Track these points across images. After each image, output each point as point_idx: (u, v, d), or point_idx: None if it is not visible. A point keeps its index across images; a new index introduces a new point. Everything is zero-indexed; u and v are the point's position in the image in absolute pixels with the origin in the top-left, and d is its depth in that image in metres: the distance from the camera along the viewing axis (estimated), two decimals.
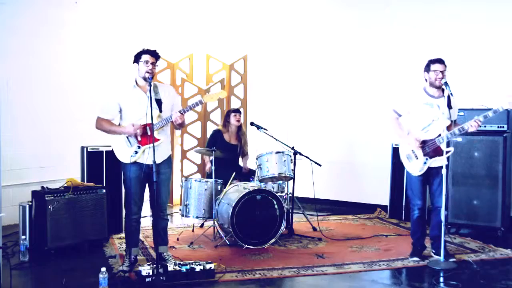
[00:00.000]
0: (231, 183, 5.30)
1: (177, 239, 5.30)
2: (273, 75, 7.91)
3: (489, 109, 4.28)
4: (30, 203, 4.71)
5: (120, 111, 4.19)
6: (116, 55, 6.93)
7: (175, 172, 6.80)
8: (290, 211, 5.53)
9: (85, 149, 5.29)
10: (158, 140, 4.08)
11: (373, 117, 6.91)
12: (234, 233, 4.85)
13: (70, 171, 5.71)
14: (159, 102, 4.09)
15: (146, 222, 5.76)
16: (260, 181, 5.24)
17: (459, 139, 4.41)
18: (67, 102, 6.45)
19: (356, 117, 7.19)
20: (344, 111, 7.31)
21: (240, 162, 6.24)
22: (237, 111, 6.15)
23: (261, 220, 4.96)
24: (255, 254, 4.74)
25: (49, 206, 4.58)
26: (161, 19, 7.73)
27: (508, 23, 6.05)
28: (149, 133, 4.05)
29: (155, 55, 4.13)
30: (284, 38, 7.81)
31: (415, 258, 4.52)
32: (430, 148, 4.38)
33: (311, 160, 5.60)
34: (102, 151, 5.33)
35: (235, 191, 5.13)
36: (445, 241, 4.33)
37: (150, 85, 3.99)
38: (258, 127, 5.79)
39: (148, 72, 4.05)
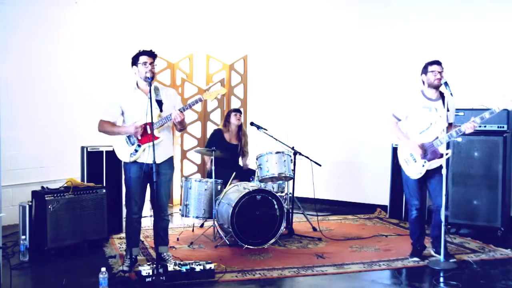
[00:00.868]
0: (231, 183, 5.31)
1: (177, 239, 5.30)
2: (273, 75, 7.91)
3: (489, 109, 4.27)
4: (30, 203, 4.70)
5: (122, 113, 4.21)
6: (116, 55, 6.93)
7: (175, 172, 6.79)
8: (290, 211, 5.53)
9: (85, 149, 5.29)
10: (157, 138, 4.09)
11: (373, 117, 6.91)
12: (234, 233, 4.85)
13: (70, 171, 5.70)
14: (159, 103, 4.11)
15: (146, 222, 5.76)
16: (260, 181, 5.24)
17: (459, 139, 4.41)
18: (67, 102, 6.45)
19: (356, 117, 7.19)
20: (344, 111, 7.31)
21: (240, 162, 6.24)
22: (237, 111, 6.16)
23: (261, 220, 4.96)
24: (255, 254, 4.74)
25: (49, 206, 4.58)
26: (161, 19, 7.73)
27: (508, 23, 6.05)
28: (149, 131, 4.05)
29: (152, 54, 4.14)
30: (284, 38, 7.82)
31: (415, 258, 4.52)
32: (428, 151, 4.38)
33: (311, 160, 5.60)
34: (102, 151, 5.33)
35: (235, 191, 5.13)
36: (446, 241, 4.33)
37: (150, 85, 4.00)
38: (258, 127, 5.80)
39: (148, 73, 4.07)
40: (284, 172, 5.22)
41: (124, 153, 4.17)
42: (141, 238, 4.97)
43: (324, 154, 6.78)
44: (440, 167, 4.31)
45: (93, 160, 5.30)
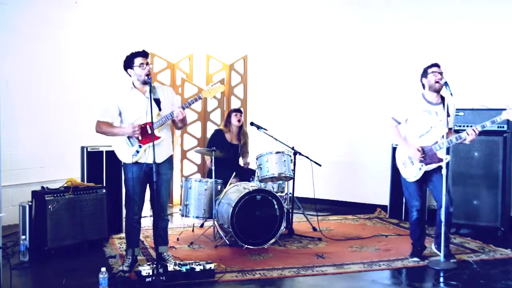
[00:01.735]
0: (231, 183, 5.30)
1: (177, 239, 5.30)
2: (273, 75, 7.91)
3: (488, 109, 4.27)
4: (30, 203, 4.70)
5: (120, 114, 4.21)
6: (116, 55, 6.87)
7: (175, 172, 6.79)
8: (290, 211, 5.53)
9: (85, 149, 5.29)
10: (158, 138, 4.09)
11: (373, 117, 6.90)
12: (234, 233, 4.85)
13: (70, 171, 5.70)
14: (157, 102, 4.11)
15: (146, 222, 5.75)
16: (260, 181, 5.24)
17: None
18: (67, 102, 6.45)
19: (356, 117, 7.19)
20: (344, 111, 7.31)
21: (241, 162, 6.24)
22: (238, 111, 6.15)
23: (261, 220, 4.96)
24: (255, 254, 4.74)
25: (49, 206, 4.58)
26: (161, 19, 7.73)
27: (508, 23, 6.04)
28: (149, 131, 4.05)
29: (145, 54, 4.15)
30: (284, 38, 7.82)
31: (415, 258, 4.52)
32: (427, 155, 4.37)
33: (311, 160, 5.60)
34: (102, 151, 5.33)
35: (235, 191, 5.13)
36: (448, 240, 4.31)
37: (150, 85, 3.99)
38: (258, 127, 5.79)
39: (147, 75, 4.08)
40: (284, 172, 5.22)
41: (125, 154, 4.17)
42: (141, 238, 4.98)
43: (324, 154, 6.78)
44: (440, 166, 4.31)
45: (93, 160, 5.30)
